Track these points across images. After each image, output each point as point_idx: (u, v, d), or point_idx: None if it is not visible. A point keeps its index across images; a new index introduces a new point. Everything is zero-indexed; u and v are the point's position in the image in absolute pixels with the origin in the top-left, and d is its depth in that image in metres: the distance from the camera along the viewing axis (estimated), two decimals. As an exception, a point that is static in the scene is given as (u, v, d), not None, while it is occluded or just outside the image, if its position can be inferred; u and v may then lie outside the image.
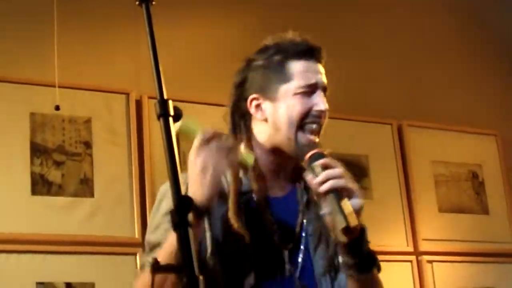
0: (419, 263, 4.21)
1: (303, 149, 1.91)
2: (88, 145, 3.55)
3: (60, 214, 3.41)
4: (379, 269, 1.97)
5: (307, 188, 2.00)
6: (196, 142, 1.79)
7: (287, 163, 2.03)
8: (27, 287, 3.27)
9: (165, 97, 1.36)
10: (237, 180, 1.93)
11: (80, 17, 3.74)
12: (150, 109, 3.65)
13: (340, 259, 1.90)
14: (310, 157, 1.86)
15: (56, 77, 3.25)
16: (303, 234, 1.98)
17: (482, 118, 4.76)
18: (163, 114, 1.34)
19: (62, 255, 3.37)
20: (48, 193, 3.41)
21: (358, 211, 1.79)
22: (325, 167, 1.83)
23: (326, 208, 1.81)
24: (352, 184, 1.83)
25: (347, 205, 1.77)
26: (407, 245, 4.21)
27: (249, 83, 2.03)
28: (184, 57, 3.90)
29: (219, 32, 4.02)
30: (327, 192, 1.79)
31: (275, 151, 1.99)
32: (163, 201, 1.93)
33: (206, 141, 1.79)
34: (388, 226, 4.14)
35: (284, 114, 1.96)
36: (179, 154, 1.34)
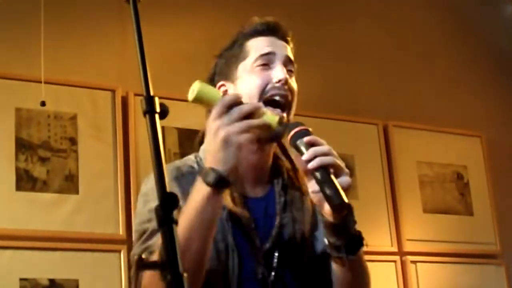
0: (403, 263, 4.23)
1: (277, 127, 1.82)
2: (73, 141, 3.54)
3: (45, 210, 3.40)
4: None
5: (284, 188, 1.97)
6: (216, 110, 1.69)
7: (264, 157, 1.96)
8: (11, 283, 3.25)
9: (152, 93, 1.36)
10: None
11: (67, 13, 3.73)
12: (136, 106, 3.65)
13: (327, 241, 1.84)
14: (294, 134, 1.79)
15: (42, 73, 3.24)
16: (281, 237, 1.91)
17: (467, 119, 4.78)
18: (149, 110, 1.34)
19: (46, 251, 3.36)
20: (33, 189, 3.40)
21: (346, 189, 1.72)
22: (311, 145, 1.77)
23: (313, 187, 1.75)
24: (340, 161, 1.77)
25: (336, 182, 1.71)
26: (391, 245, 4.23)
27: (217, 74, 2.01)
28: (170, 54, 3.90)
29: (207, 30, 4.01)
30: (315, 169, 1.73)
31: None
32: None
33: (226, 108, 1.68)
34: (372, 226, 4.15)
35: (243, 91, 1.87)
36: (164, 151, 1.34)
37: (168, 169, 1.79)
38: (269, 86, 1.90)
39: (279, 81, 1.90)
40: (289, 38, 2.03)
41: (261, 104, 1.85)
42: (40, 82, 3.23)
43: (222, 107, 1.68)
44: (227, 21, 4.09)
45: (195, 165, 1.94)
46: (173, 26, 4.02)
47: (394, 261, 4.21)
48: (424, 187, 4.48)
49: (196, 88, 1.75)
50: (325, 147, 1.77)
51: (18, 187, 3.38)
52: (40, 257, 3.34)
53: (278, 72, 1.91)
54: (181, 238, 1.52)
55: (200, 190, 1.68)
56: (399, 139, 4.45)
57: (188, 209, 1.68)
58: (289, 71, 1.96)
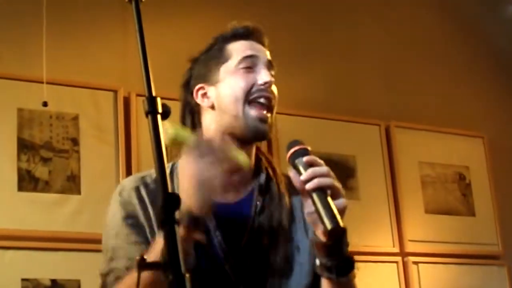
0: (405, 264, 4.22)
1: (254, 123, 1.85)
2: (75, 141, 3.54)
3: (47, 210, 3.40)
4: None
5: (262, 192, 1.94)
6: (186, 154, 1.71)
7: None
8: (12, 283, 3.26)
9: (154, 94, 1.35)
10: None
11: (69, 13, 3.73)
12: (138, 106, 3.64)
13: (318, 261, 1.81)
14: (293, 153, 1.77)
15: (44, 73, 3.24)
16: (253, 247, 1.87)
17: (470, 120, 4.77)
18: (152, 111, 1.34)
19: (48, 252, 3.36)
20: (35, 189, 3.40)
21: (342, 212, 1.70)
22: (310, 165, 1.74)
23: (308, 207, 1.73)
24: (337, 184, 1.74)
25: (333, 205, 1.69)
26: (393, 246, 4.22)
27: (194, 77, 1.99)
28: (173, 54, 3.89)
29: (209, 30, 4.00)
30: (312, 190, 1.70)
31: (231, 137, 1.90)
32: (116, 204, 1.88)
33: (198, 150, 1.69)
34: (374, 226, 4.15)
35: (227, 93, 1.89)
36: (166, 151, 1.34)
37: (118, 190, 1.84)
38: (254, 88, 1.90)
39: (265, 83, 1.91)
40: (266, 43, 2.03)
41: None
42: (42, 82, 3.24)
43: (192, 149, 1.70)
44: (230, 22, 4.09)
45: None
46: (175, 26, 4.02)
47: (396, 262, 4.20)
48: (426, 187, 4.47)
49: (168, 132, 1.73)
50: (324, 168, 1.74)
51: (20, 188, 3.38)
52: (42, 257, 3.34)
53: (263, 75, 1.91)
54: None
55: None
56: (401, 139, 4.45)
57: (154, 253, 1.60)
58: (271, 75, 1.96)
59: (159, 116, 1.34)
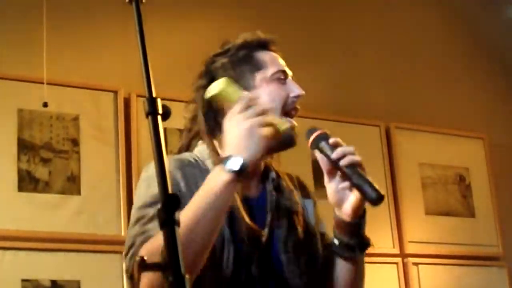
0: (405, 265, 4.23)
1: (290, 133, 1.92)
2: (75, 142, 3.54)
3: (47, 211, 3.40)
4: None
5: (277, 189, 2.01)
6: (238, 106, 1.77)
7: (264, 161, 2.02)
8: (13, 284, 3.26)
9: (154, 95, 1.35)
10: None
11: (69, 14, 3.73)
12: (138, 107, 3.65)
13: (337, 241, 1.95)
14: (316, 137, 1.89)
15: (44, 73, 3.24)
16: (274, 238, 1.95)
17: (470, 121, 4.77)
18: (152, 112, 1.34)
19: (48, 252, 3.36)
20: (35, 190, 3.41)
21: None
22: (336, 145, 1.87)
23: (340, 184, 1.88)
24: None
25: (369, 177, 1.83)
26: (393, 247, 4.22)
27: (220, 76, 1.98)
28: (173, 55, 3.90)
29: (209, 31, 4.01)
30: (346, 166, 1.83)
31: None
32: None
33: (247, 105, 1.77)
34: (374, 227, 4.11)
35: (266, 99, 1.94)
36: (166, 152, 1.34)
37: (169, 160, 1.82)
38: (289, 100, 1.99)
39: (298, 96, 2.00)
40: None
41: (273, 107, 1.94)
42: (43, 83, 3.24)
43: (244, 103, 1.76)
44: (230, 23, 4.09)
45: (194, 161, 1.97)
46: (175, 27, 4.02)
47: (396, 263, 4.20)
48: (426, 189, 4.47)
49: (222, 84, 1.81)
50: (351, 147, 1.88)
51: (20, 188, 3.38)
52: (42, 258, 3.34)
53: (296, 89, 2.01)
54: (186, 229, 1.57)
55: (218, 177, 1.71)
56: (401, 140, 4.45)
57: (200, 198, 1.70)
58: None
59: (159, 117, 1.34)
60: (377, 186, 1.81)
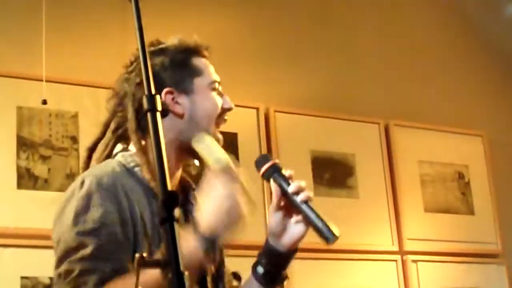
0: (404, 262, 4.22)
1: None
2: (74, 140, 3.54)
3: (46, 208, 3.37)
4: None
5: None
6: (221, 176, 1.73)
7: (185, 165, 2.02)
8: (12, 281, 3.26)
9: (153, 92, 1.35)
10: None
11: (68, 11, 3.73)
12: (138, 104, 3.64)
13: (261, 269, 1.91)
14: (268, 168, 1.89)
15: (43, 71, 3.23)
16: None
17: (469, 118, 4.77)
18: (151, 109, 1.34)
19: (47, 250, 3.32)
20: (34, 187, 3.41)
21: None
22: (290, 178, 1.87)
23: (292, 218, 1.88)
24: None
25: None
26: (392, 245, 4.22)
27: (158, 79, 1.93)
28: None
29: (208, 28, 4.01)
30: (302, 203, 1.83)
31: (182, 148, 1.93)
32: (95, 196, 1.81)
33: (231, 175, 1.74)
34: (373, 225, 4.15)
35: (202, 108, 1.95)
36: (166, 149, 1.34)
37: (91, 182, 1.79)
38: (223, 111, 2.00)
39: (230, 109, 2.01)
40: None
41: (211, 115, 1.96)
42: (42, 80, 3.23)
43: (230, 175, 1.74)
44: (230, 20, 4.09)
45: (119, 169, 1.91)
46: (174, 24, 4.01)
47: (395, 261, 4.20)
48: (425, 186, 4.47)
49: (211, 141, 1.85)
50: (303, 181, 1.87)
51: (19, 186, 3.38)
52: (41, 255, 3.33)
53: (229, 101, 2.01)
54: None
55: (194, 256, 1.66)
56: (400, 138, 4.45)
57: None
58: None
59: (158, 114, 1.34)
60: (331, 226, 1.81)
